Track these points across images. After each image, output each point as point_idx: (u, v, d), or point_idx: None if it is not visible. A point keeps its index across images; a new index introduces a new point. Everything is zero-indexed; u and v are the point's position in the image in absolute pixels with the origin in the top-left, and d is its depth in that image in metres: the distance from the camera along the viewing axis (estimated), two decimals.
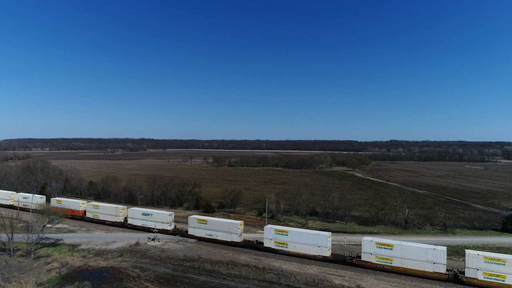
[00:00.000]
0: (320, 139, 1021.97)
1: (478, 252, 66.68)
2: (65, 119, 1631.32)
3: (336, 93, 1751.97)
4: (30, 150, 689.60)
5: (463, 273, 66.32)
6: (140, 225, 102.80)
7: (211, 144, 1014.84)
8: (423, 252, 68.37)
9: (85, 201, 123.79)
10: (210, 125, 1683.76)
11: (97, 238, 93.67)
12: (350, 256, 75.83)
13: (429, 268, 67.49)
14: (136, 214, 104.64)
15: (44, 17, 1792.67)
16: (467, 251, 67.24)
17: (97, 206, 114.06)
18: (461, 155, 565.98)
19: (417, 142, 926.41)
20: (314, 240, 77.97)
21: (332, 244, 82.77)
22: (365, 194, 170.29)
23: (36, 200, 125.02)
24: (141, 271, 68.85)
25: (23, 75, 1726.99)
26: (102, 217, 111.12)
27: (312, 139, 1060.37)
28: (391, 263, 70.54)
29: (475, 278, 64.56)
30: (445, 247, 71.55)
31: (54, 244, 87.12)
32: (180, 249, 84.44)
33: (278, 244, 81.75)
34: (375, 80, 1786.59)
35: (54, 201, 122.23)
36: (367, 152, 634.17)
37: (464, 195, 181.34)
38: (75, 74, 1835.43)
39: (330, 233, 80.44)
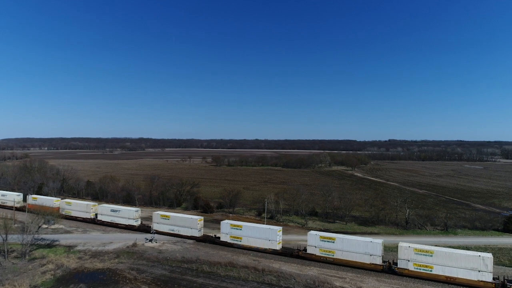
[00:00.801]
0: (319, 139, 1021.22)
1: (409, 244, 70.42)
2: (63, 119, 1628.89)
3: (335, 93, 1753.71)
4: (28, 150, 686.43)
5: (396, 264, 70.00)
6: (109, 221, 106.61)
7: (210, 143, 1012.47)
8: (361, 245, 72.33)
9: (59, 199, 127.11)
10: (209, 124, 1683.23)
11: (94, 239, 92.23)
12: (298, 249, 79.16)
13: (366, 260, 71.61)
14: (105, 211, 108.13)
15: (43, 16, 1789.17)
16: (400, 244, 70.37)
17: (69, 203, 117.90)
18: (460, 155, 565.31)
19: (416, 141, 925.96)
20: (265, 235, 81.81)
21: None
22: (365, 194, 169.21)
23: (12, 197, 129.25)
24: (138, 273, 67.50)
25: (22, 74, 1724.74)
26: (74, 214, 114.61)
27: (311, 138, 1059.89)
28: (333, 255, 74.56)
29: (406, 269, 68.42)
30: (382, 240, 74.91)
31: (50, 245, 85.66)
32: (178, 250, 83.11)
33: (233, 238, 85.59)
34: (373, 79, 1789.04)
35: (30, 198, 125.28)
36: (366, 152, 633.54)
37: (464, 195, 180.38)
38: (74, 74, 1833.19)
39: (280, 227, 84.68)
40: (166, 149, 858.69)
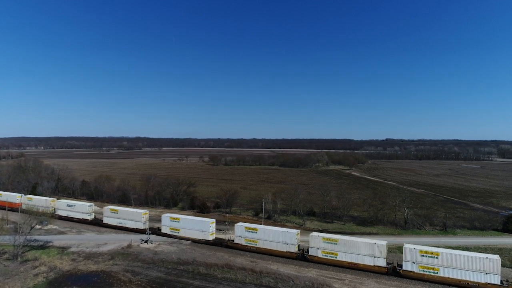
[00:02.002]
0: (316, 138, 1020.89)
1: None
2: (60, 118, 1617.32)
3: (332, 92, 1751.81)
4: (24, 149, 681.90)
5: (308, 251, 76.31)
6: (65, 215, 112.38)
7: (207, 142, 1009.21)
8: (279, 235, 78.59)
9: (21, 195, 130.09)
10: (206, 124, 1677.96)
11: (88, 240, 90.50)
12: (228, 240, 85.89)
13: (283, 248, 77.47)
14: (63, 206, 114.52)
15: (40, 15, 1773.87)
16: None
17: (30, 198, 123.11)
18: (457, 154, 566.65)
19: (412, 140, 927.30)
20: (199, 226, 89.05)
21: None
22: (363, 194, 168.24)
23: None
24: (132, 275, 65.98)
25: (19, 73, 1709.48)
26: (35, 209, 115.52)
27: (308, 137, 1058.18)
28: (256, 244, 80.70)
29: (315, 256, 74.97)
30: (298, 230, 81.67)
31: (43, 246, 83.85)
32: (174, 251, 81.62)
33: (172, 230, 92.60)
34: (370, 79, 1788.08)
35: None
36: (363, 151, 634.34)
37: (462, 194, 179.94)
38: (71, 73, 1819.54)
39: (213, 220, 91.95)
40: (163, 148, 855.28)
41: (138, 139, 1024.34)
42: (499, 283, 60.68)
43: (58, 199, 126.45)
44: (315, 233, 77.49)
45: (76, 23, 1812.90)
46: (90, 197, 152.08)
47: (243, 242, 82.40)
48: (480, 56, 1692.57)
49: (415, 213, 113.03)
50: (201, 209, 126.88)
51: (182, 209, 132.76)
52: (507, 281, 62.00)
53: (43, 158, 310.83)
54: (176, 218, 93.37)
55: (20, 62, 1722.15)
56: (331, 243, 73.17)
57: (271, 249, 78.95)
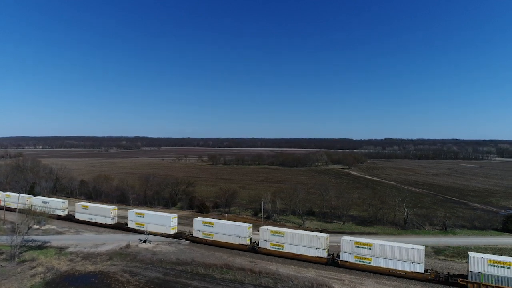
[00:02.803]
0: (315, 137, 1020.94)
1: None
2: (59, 118, 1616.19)
3: (331, 92, 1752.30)
4: (23, 148, 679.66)
5: (258, 243, 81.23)
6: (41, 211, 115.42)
7: (206, 142, 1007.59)
8: (232, 228, 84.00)
9: (1, 192, 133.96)
10: (205, 123, 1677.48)
11: (86, 240, 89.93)
12: (188, 233, 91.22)
13: (236, 241, 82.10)
14: (38, 202, 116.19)
15: (39, 15, 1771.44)
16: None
17: (9, 196, 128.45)
18: (455, 153, 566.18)
19: (411, 140, 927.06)
20: (162, 221, 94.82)
21: (330, 246, 79.28)
22: (362, 193, 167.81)
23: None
24: (130, 275, 65.46)
25: (17, 73, 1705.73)
26: (13, 206, 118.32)
27: (307, 137, 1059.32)
28: (212, 237, 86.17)
29: (264, 248, 79.59)
30: (250, 224, 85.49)
31: (41, 246, 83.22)
32: (173, 251, 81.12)
33: (137, 225, 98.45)
34: (369, 78, 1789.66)
35: None
36: (362, 150, 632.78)
37: (462, 194, 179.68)
38: (69, 72, 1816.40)
39: (174, 215, 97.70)
40: (162, 147, 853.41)
41: (137, 138, 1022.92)
42: (423, 271, 65.20)
43: (56, 198, 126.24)
44: (264, 227, 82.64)
45: (76, 22, 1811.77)
46: (88, 197, 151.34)
47: (200, 235, 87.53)
48: (479, 56, 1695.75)
49: (414, 213, 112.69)
50: (200, 209, 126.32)
51: (181, 209, 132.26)
52: (431, 269, 67.24)
53: (42, 158, 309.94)
54: (141, 214, 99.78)
55: (18, 62, 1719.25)
56: (278, 236, 78.47)
57: (225, 242, 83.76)
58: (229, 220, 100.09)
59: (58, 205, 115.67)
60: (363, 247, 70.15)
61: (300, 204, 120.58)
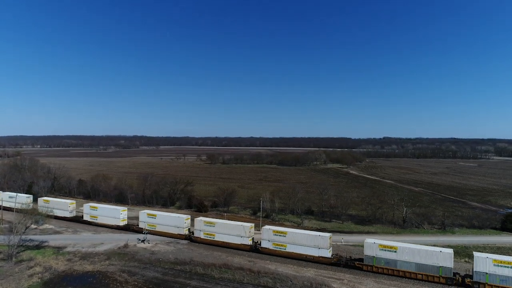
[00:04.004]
0: (314, 136, 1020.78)
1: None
2: (57, 117, 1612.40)
3: (329, 91, 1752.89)
4: (21, 148, 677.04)
5: (193, 233, 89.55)
6: (8, 206, 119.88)
7: (204, 141, 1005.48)
8: (174, 220, 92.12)
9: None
10: (203, 122, 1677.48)
11: (84, 240, 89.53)
12: (135, 225, 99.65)
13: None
14: (5, 197, 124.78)
15: (38, 14, 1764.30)
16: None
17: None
18: (454, 152, 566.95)
19: (410, 139, 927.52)
20: (113, 214, 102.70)
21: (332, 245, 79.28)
22: (361, 192, 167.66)
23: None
24: (129, 275, 65.13)
25: (15, 72, 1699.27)
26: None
27: (306, 136, 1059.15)
28: (155, 228, 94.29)
29: (198, 237, 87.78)
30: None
31: (38, 246, 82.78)
32: (171, 251, 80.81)
33: (92, 218, 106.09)
34: (368, 77, 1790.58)
35: None
36: (361, 149, 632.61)
37: (460, 193, 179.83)
38: (67, 72, 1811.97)
39: (125, 208, 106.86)
40: (161, 147, 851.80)
41: (135, 137, 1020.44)
42: (329, 256, 73.36)
43: (54, 198, 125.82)
44: (199, 218, 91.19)
45: (74, 22, 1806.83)
46: (86, 196, 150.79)
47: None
48: (477, 55, 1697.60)
49: (413, 212, 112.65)
50: (199, 208, 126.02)
51: (180, 208, 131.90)
52: (337, 254, 75.64)
53: (40, 157, 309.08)
54: (95, 207, 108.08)
55: (16, 61, 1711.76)
56: (210, 226, 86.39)
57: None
58: (228, 219, 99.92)
59: (23, 200, 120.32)
60: (279, 235, 78.23)
61: (299, 203, 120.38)
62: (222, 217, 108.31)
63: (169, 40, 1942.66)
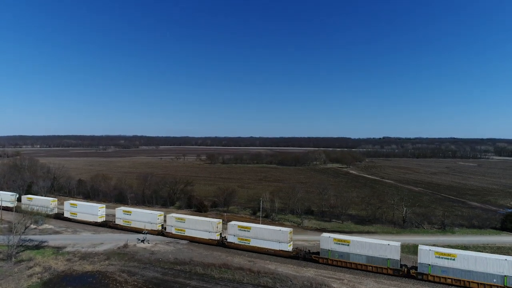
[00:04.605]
0: (314, 136, 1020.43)
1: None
2: (56, 117, 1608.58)
3: (329, 91, 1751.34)
4: (20, 148, 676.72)
5: (165, 228, 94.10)
6: None
7: (204, 141, 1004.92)
8: (148, 216, 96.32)
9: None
10: (203, 122, 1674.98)
11: (84, 240, 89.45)
12: (112, 222, 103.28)
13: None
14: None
15: (38, 14, 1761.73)
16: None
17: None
18: (453, 152, 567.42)
19: (409, 139, 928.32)
20: (91, 211, 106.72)
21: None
22: (361, 192, 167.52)
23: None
24: (128, 275, 65.09)
25: (15, 72, 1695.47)
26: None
27: (306, 136, 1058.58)
28: (130, 224, 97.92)
29: (170, 232, 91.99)
30: (162, 212, 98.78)
31: (38, 246, 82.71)
32: (171, 251, 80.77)
33: (72, 214, 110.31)
34: (368, 77, 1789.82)
35: None
36: (361, 149, 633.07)
37: (460, 193, 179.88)
38: (67, 71, 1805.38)
39: (103, 205, 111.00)
40: (160, 146, 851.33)
41: (135, 137, 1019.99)
42: (289, 249, 77.00)
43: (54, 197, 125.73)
44: (170, 214, 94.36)
45: (74, 22, 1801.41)
46: (86, 196, 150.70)
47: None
48: (477, 55, 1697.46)
49: (413, 212, 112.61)
50: (199, 208, 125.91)
51: (179, 208, 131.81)
52: (296, 248, 78.87)
53: (39, 157, 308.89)
54: (74, 204, 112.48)
55: (17, 61, 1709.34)
56: (180, 222, 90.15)
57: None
58: (227, 219, 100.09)
59: (7, 197, 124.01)
60: (244, 230, 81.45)
61: (298, 203, 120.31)
62: (222, 217, 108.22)
63: (169, 40, 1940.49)
